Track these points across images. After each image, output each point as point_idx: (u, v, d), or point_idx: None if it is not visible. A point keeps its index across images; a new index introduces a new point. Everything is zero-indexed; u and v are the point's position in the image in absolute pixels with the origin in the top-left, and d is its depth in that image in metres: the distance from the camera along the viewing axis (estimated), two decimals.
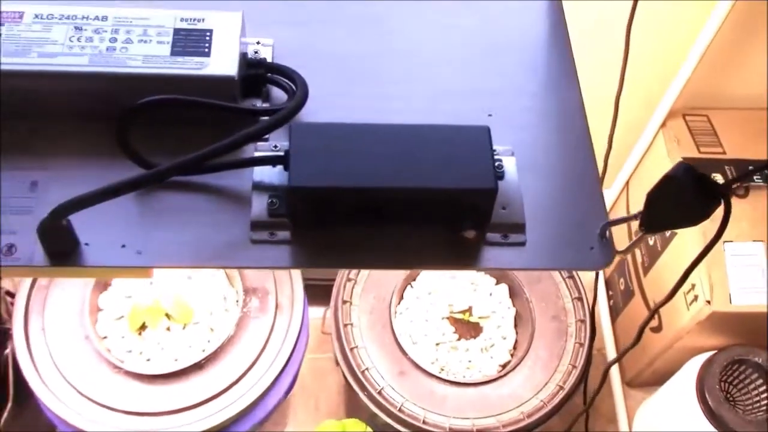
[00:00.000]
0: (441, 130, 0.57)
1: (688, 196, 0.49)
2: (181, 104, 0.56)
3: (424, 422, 1.01)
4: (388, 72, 0.67)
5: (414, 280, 1.16)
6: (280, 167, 0.58)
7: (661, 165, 1.24)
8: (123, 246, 0.55)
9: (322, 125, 0.57)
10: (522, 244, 0.57)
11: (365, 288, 1.11)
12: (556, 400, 1.04)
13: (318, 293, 1.22)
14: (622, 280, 1.43)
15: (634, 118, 1.26)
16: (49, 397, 0.97)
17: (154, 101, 0.54)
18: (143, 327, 1.04)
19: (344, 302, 1.09)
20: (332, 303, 1.11)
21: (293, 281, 1.06)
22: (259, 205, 0.57)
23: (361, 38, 0.69)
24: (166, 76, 0.57)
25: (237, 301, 1.06)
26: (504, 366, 1.11)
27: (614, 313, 1.47)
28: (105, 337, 1.02)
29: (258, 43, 0.65)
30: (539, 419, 1.03)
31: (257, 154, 0.58)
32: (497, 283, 1.17)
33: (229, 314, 1.06)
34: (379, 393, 1.03)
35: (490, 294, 1.16)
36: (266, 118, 0.58)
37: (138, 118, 0.55)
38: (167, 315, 1.03)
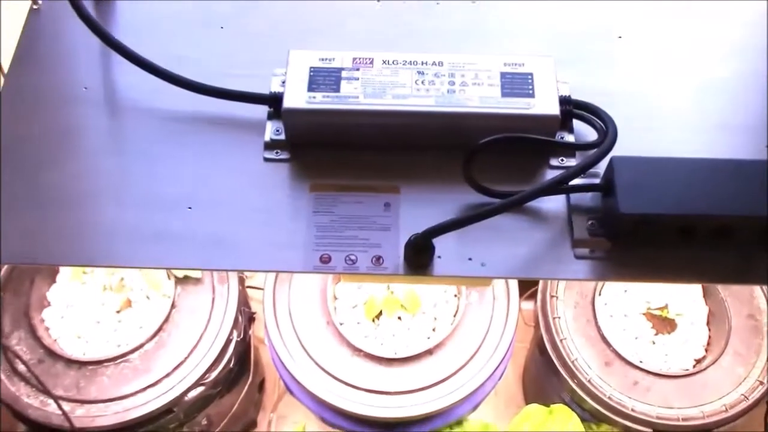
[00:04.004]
0: (740, 162, 0.66)
1: None
2: (523, 141, 0.67)
3: (632, 410, 1.10)
4: (667, 107, 0.75)
5: None
6: (592, 193, 0.67)
7: None
8: (470, 259, 0.66)
9: (636, 158, 0.66)
10: None
11: (568, 284, 1.20)
12: (757, 394, 1.11)
13: None
14: None
15: None
16: (299, 373, 1.10)
17: (503, 138, 0.64)
18: (377, 315, 1.16)
19: (552, 297, 1.19)
20: (540, 297, 1.20)
21: None
22: (580, 226, 0.67)
23: (634, 78, 0.77)
24: (501, 115, 0.67)
25: (456, 294, 1.17)
26: (699, 361, 1.19)
27: None
28: (342, 324, 1.15)
29: (557, 80, 0.74)
30: (740, 412, 1.10)
31: (573, 182, 0.68)
32: None
33: (450, 305, 1.17)
34: (589, 381, 1.12)
35: (684, 293, 1.23)
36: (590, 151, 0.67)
37: (482, 153, 0.65)
38: (401, 305, 1.15)
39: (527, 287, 1.31)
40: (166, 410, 1.11)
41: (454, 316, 1.15)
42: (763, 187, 0.63)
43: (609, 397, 1.11)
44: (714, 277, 0.67)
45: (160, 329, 1.12)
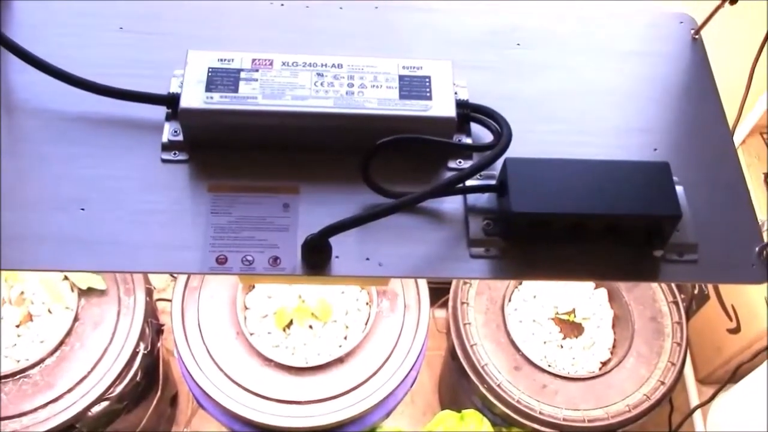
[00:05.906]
0: (629, 164, 0.68)
1: None
2: (419, 142, 0.67)
3: (540, 413, 1.12)
4: (563, 111, 0.77)
5: (521, 284, 1.27)
6: (488, 194, 0.69)
7: None
8: (367, 259, 0.67)
9: (529, 160, 0.67)
10: (695, 261, 0.68)
11: (478, 290, 1.22)
12: (659, 394, 1.14)
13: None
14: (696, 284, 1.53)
15: None
16: (208, 385, 1.08)
17: (400, 139, 0.65)
18: (288, 324, 1.15)
19: (462, 303, 1.20)
20: (451, 304, 1.22)
21: (418, 284, 1.17)
22: (476, 226, 0.68)
23: (531, 83, 0.79)
24: (399, 117, 0.68)
25: (367, 303, 1.17)
26: (605, 363, 1.22)
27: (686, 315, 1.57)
28: (252, 334, 1.14)
29: (454, 84, 0.76)
30: (643, 411, 1.13)
31: (469, 183, 0.69)
32: (596, 287, 1.28)
33: (361, 313, 1.17)
34: (499, 386, 1.14)
35: (590, 297, 1.27)
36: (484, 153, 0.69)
37: (379, 154, 0.66)
38: (312, 314, 1.14)
39: (440, 295, 1.33)
40: (69, 426, 1.07)
41: (366, 324, 1.16)
42: (648, 187, 0.66)
43: (518, 401, 1.13)
44: (604, 275, 0.70)
45: (62, 343, 1.09)
